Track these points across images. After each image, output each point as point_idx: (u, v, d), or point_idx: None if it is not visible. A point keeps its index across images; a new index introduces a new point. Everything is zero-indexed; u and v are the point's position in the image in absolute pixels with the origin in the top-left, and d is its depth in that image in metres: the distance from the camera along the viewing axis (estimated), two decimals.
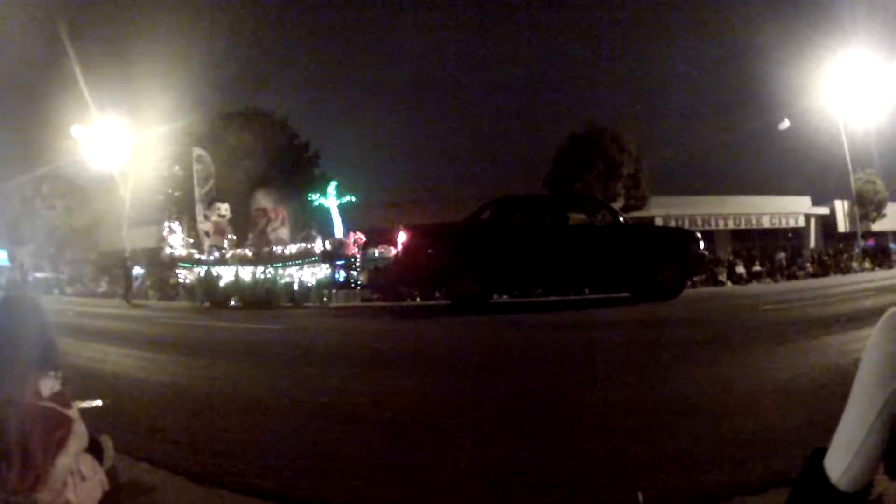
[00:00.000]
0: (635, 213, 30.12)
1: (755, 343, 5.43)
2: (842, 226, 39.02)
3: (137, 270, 35.48)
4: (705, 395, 3.61)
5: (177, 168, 29.87)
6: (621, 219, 11.74)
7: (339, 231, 17.86)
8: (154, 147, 29.96)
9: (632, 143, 34.24)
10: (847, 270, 25.06)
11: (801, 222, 40.28)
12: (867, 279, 15.52)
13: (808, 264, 26.11)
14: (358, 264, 16.40)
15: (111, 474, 2.26)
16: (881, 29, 27.25)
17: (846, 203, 38.20)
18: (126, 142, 29.85)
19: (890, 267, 26.25)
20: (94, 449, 2.18)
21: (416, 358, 6.22)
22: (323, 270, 15.49)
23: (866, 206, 36.53)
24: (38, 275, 33.48)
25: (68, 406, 2.02)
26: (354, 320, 11.30)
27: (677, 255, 11.18)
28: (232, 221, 18.40)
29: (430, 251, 11.08)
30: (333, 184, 19.48)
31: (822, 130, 30.42)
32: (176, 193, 30.65)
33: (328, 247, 15.48)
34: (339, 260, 15.74)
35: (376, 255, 17.50)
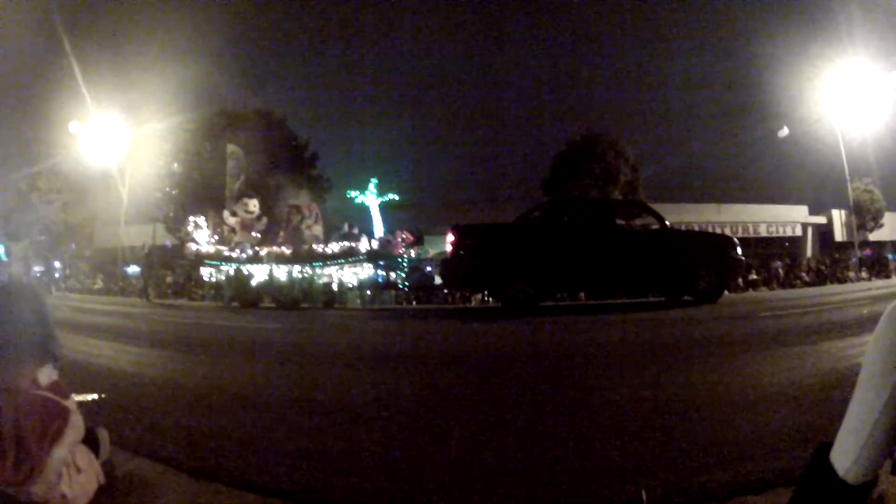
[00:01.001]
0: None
1: (754, 349, 5.43)
2: (839, 235, 39.20)
3: (133, 269, 35.51)
4: (706, 397, 3.61)
5: (175, 165, 29.87)
6: (667, 223, 11.90)
7: (379, 229, 17.31)
8: (152, 144, 29.98)
9: (628, 152, 34.40)
10: (844, 280, 25.11)
11: (798, 231, 40.47)
12: (864, 288, 15.57)
13: (805, 274, 26.14)
14: (405, 264, 16.00)
15: (107, 467, 2.24)
16: (879, 39, 27.52)
17: (843, 212, 38.36)
18: (123, 138, 29.90)
19: (887, 276, 26.30)
20: (91, 442, 2.17)
21: (425, 357, 6.23)
22: (366, 270, 15.01)
23: (864, 216, 36.67)
24: (37, 268, 33.51)
25: (66, 397, 2.00)
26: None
27: (718, 259, 11.37)
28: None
29: (481, 251, 11.10)
30: (374, 182, 18.64)
31: (820, 140, 30.67)
32: (173, 192, 30.69)
33: (375, 245, 15.00)
34: (386, 260, 15.36)
35: (411, 255, 16.96)
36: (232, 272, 16.24)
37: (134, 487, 2.40)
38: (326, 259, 15.17)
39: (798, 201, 40.82)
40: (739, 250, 11.73)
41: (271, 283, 15.57)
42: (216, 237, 17.66)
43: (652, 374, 4.57)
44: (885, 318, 1.39)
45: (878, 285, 17.96)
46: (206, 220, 17.59)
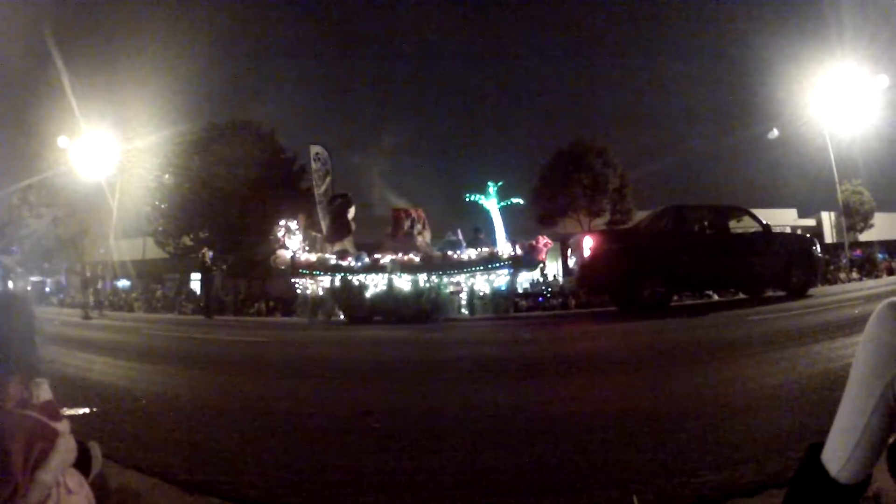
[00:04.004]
0: (621, 228, 30.21)
1: (744, 351, 5.44)
2: (828, 237, 39.35)
3: (123, 283, 35.30)
4: (697, 401, 3.62)
5: (166, 176, 29.78)
6: (770, 227, 12.96)
7: (500, 235, 16.33)
8: (141, 158, 29.98)
9: (616, 161, 34.61)
10: (834, 281, 25.17)
11: None
12: (855, 289, 15.62)
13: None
14: (545, 272, 15.17)
15: (99, 481, 2.21)
16: (867, 42, 27.72)
17: (833, 214, 38.54)
18: (113, 153, 29.84)
19: (877, 277, 26.43)
20: (83, 458, 2.13)
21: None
22: (501, 278, 14.24)
23: (853, 217, 36.81)
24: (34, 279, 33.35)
25: (57, 418, 1.95)
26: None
27: (808, 257, 12.56)
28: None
29: (622, 256, 11.72)
30: (495, 185, 17.24)
31: (809, 142, 30.86)
32: (163, 206, 30.64)
33: (519, 252, 14.03)
34: (529, 266, 14.70)
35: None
36: (338, 283, 14.56)
37: (127, 500, 2.38)
38: (464, 267, 14.18)
39: (787, 204, 40.99)
40: (819, 248, 12.84)
41: (390, 294, 14.13)
42: (306, 243, 15.81)
43: (638, 381, 4.58)
44: (874, 318, 1.39)
45: (869, 285, 18.01)
46: (299, 225, 15.69)
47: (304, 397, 4.63)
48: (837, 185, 31.91)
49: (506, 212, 17.13)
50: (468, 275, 14.22)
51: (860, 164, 34.25)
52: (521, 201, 18.52)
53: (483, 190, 16.83)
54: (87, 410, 4.01)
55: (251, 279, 31.97)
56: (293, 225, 15.47)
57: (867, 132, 29.88)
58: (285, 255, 15.15)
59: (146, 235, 33.92)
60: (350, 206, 16.24)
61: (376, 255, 14.48)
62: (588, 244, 11.79)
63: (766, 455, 2.44)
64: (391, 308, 14.17)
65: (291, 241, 15.29)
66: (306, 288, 15.36)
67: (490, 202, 16.68)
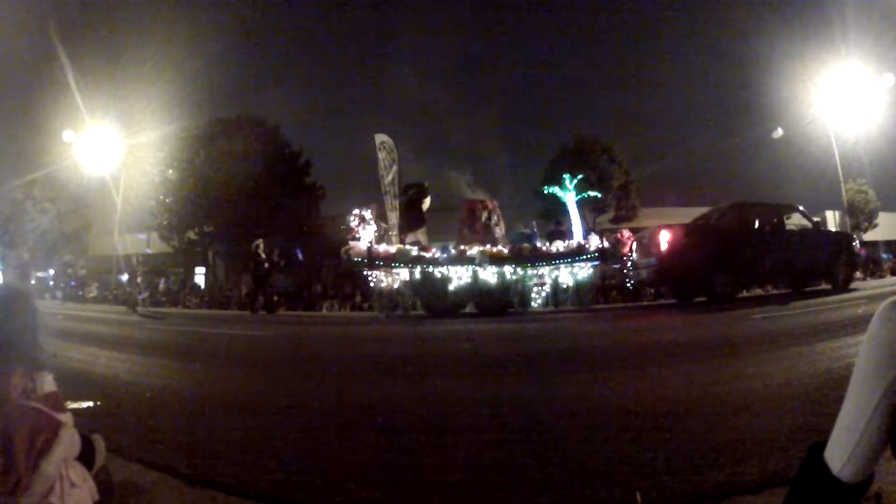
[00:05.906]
0: (625, 224, 30.07)
1: (748, 350, 5.43)
2: None
3: (126, 277, 35.33)
4: (699, 398, 3.61)
5: (171, 171, 29.81)
6: (819, 224, 13.95)
7: (577, 228, 15.91)
8: (146, 152, 30.01)
9: (621, 157, 34.53)
10: None
11: None
12: (858, 287, 15.58)
13: None
14: (630, 264, 14.73)
15: (103, 474, 2.21)
16: (871, 42, 27.61)
17: (837, 213, 38.39)
18: (118, 147, 29.87)
19: (881, 276, 26.34)
20: (86, 450, 2.13)
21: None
22: (584, 270, 14.27)
23: (857, 217, 36.65)
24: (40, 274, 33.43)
25: (61, 410, 1.95)
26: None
27: (847, 253, 13.63)
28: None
29: (700, 250, 12.31)
30: (571, 178, 16.73)
31: (814, 141, 30.73)
32: (167, 200, 30.67)
33: (606, 244, 14.17)
34: (616, 259, 14.56)
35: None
36: (418, 275, 14.09)
37: (130, 494, 2.38)
38: (553, 259, 14.13)
39: (791, 203, 40.78)
40: (858, 244, 13.77)
41: (475, 286, 13.87)
42: (377, 234, 14.78)
43: (642, 378, 4.58)
44: (877, 317, 1.39)
45: (873, 285, 17.95)
46: (372, 214, 14.66)
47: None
48: (842, 185, 31.78)
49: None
50: (552, 267, 14.25)
51: (865, 164, 34.06)
52: (599, 195, 18.51)
53: (560, 183, 16.70)
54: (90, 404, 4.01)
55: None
56: (367, 214, 14.55)
57: (872, 131, 29.78)
58: (360, 246, 14.23)
59: (150, 230, 33.96)
60: (426, 197, 15.92)
61: (462, 247, 14.22)
62: (665, 238, 12.33)
63: (768, 453, 2.44)
64: (475, 301, 14.06)
65: (366, 231, 14.41)
66: (381, 281, 14.66)
67: (568, 195, 16.41)
